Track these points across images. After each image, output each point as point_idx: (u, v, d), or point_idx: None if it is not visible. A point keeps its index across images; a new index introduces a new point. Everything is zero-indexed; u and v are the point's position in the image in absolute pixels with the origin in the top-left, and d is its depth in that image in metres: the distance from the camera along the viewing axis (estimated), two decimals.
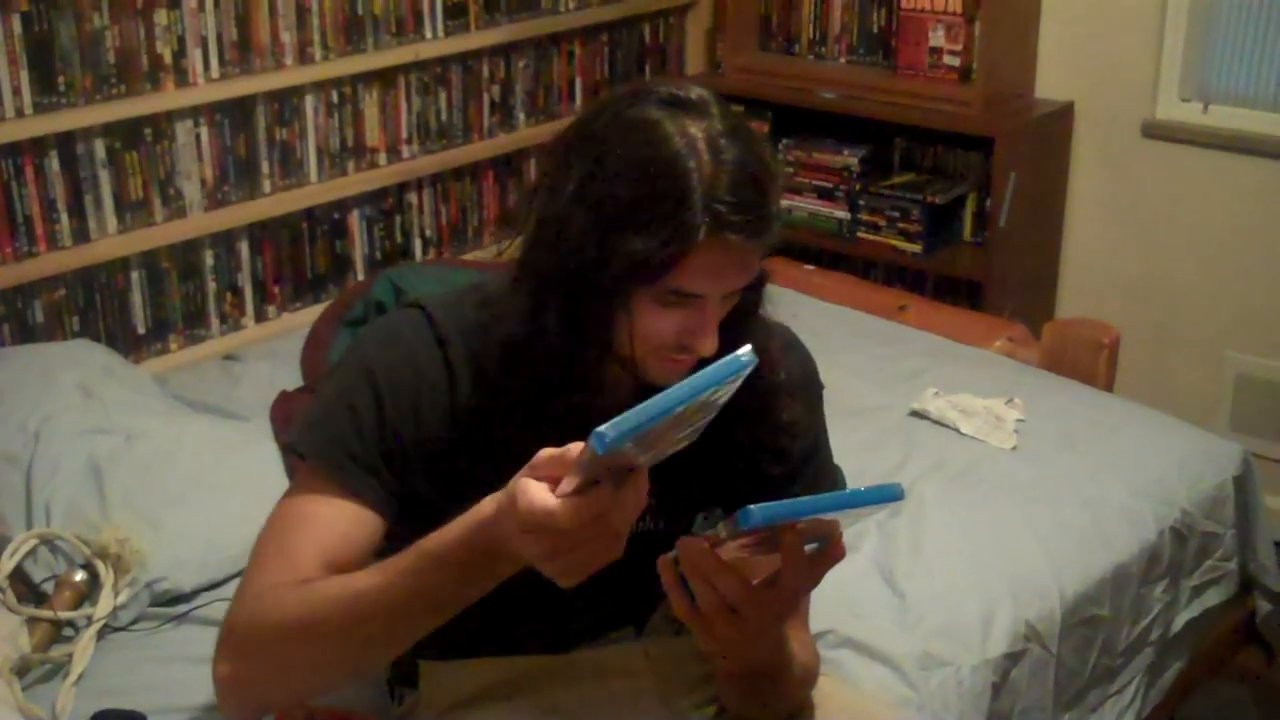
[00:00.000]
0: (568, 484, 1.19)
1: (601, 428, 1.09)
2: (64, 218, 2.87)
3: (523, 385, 1.48)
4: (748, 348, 1.17)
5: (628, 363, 1.47)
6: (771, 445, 1.61)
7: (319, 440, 1.53)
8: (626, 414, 1.10)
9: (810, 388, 1.69)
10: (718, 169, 1.39)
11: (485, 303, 1.55)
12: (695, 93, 1.47)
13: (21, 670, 1.98)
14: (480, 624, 1.55)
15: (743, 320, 1.51)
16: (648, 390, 1.24)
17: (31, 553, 2.18)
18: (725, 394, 1.19)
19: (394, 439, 1.52)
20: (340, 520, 1.50)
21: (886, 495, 1.23)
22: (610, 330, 1.45)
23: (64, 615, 2.09)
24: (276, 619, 1.42)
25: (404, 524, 1.51)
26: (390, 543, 1.50)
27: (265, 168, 3.21)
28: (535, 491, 1.19)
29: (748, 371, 1.17)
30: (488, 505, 1.29)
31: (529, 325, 1.47)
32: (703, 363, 1.36)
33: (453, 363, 1.53)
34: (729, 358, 1.15)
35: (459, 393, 1.53)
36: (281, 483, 2.42)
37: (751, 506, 1.18)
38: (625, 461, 1.17)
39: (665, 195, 1.37)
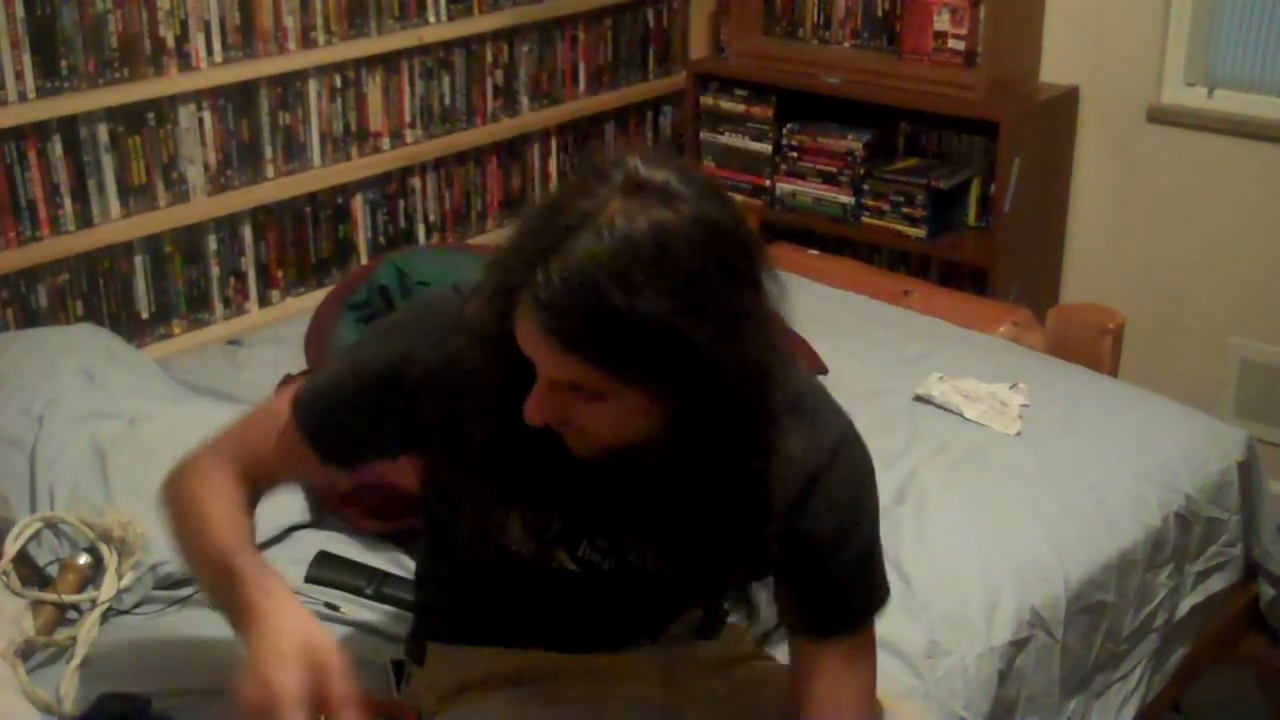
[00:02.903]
0: None
1: None
2: (67, 202, 2.87)
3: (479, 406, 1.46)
4: None
5: None
6: (833, 549, 1.56)
7: (313, 391, 1.62)
8: None
9: (864, 496, 1.60)
10: (574, 245, 1.26)
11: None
12: (663, 177, 1.30)
13: (26, 653, 1.98)
14: (491, 619, 1.57)
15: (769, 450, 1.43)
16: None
17: (35, 536, 2.18)
18: None
19: (370, 420, 1.56)
20: (290, 452, 1.61)
21: None
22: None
23: (68, 599, 2.09)
24: (178, 470, 1.66)
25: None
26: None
27: (268, 152, 3.20)
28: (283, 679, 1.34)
29: None
30: (264, 597, 1.44)
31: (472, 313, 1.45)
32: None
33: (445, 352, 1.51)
34: None
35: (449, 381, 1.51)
36: None
37: None
38: None
39: (522, 244, 1.31)
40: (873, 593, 1.63)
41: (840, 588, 1.59)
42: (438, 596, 1.76)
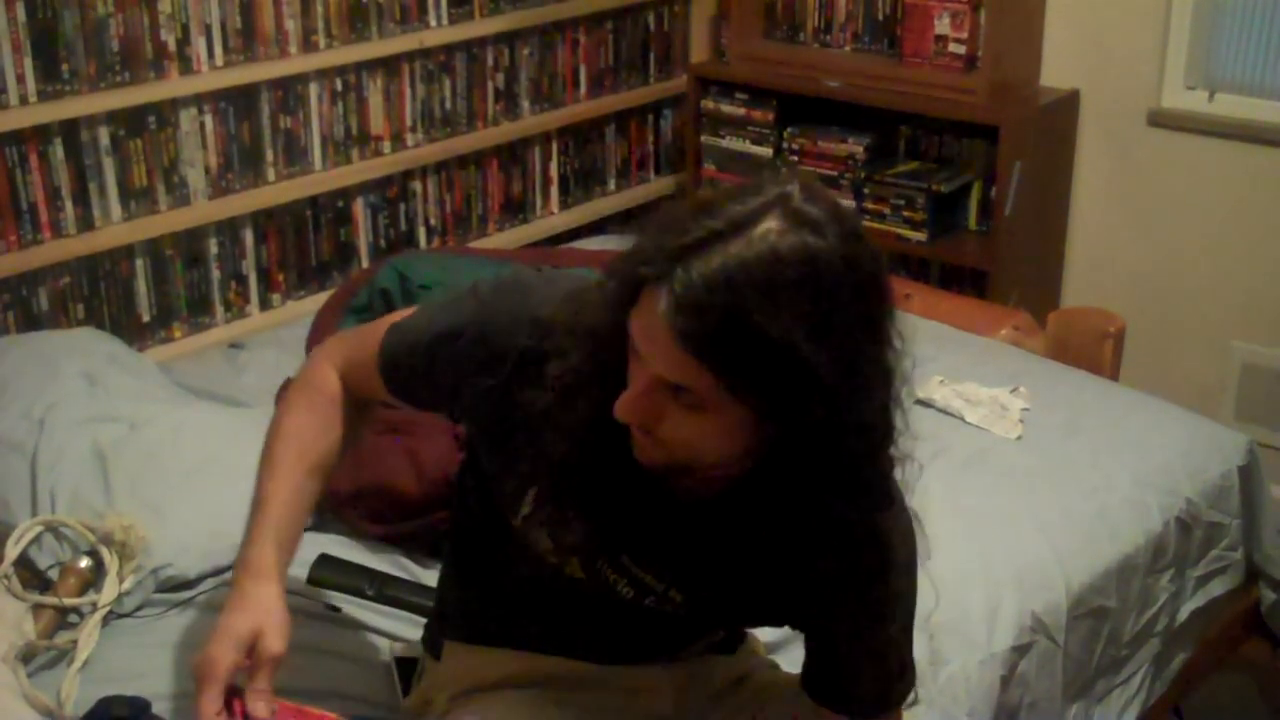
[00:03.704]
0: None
1: None
2: (68, 205, 2.87)
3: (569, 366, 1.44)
4: None
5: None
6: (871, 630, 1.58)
7: (399, 327, 1.66)
8: None
9: (907, 589, 1.61)
10: (723, 250, 1.24)
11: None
12: (819, 209, 1.28)
13: (27, 657, 1.98)
14: (509, 623, 1.58)
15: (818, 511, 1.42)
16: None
17: (36, 540, 2.18)
18: None
19: (443, 376, 1.58)
20: (372, 375, 1.67)
21: None
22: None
23: (69, 602, 2.09)
24: (302, 379, 1.76)
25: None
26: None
27: (270, 156, 3.20)
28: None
29: None
30: (250, 581, 1.58)
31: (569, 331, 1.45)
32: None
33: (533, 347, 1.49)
34: None
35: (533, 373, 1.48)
36: None
37: None
38: None
39: (663, 238, 1.28)
40: (888, 683, 1.63)
41: (851, 667, 1.61)
42: (459, 596, 1.75)
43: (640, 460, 1.38)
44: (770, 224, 1.25)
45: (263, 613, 1.54)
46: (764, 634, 2.03)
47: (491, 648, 1.70)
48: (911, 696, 1.64)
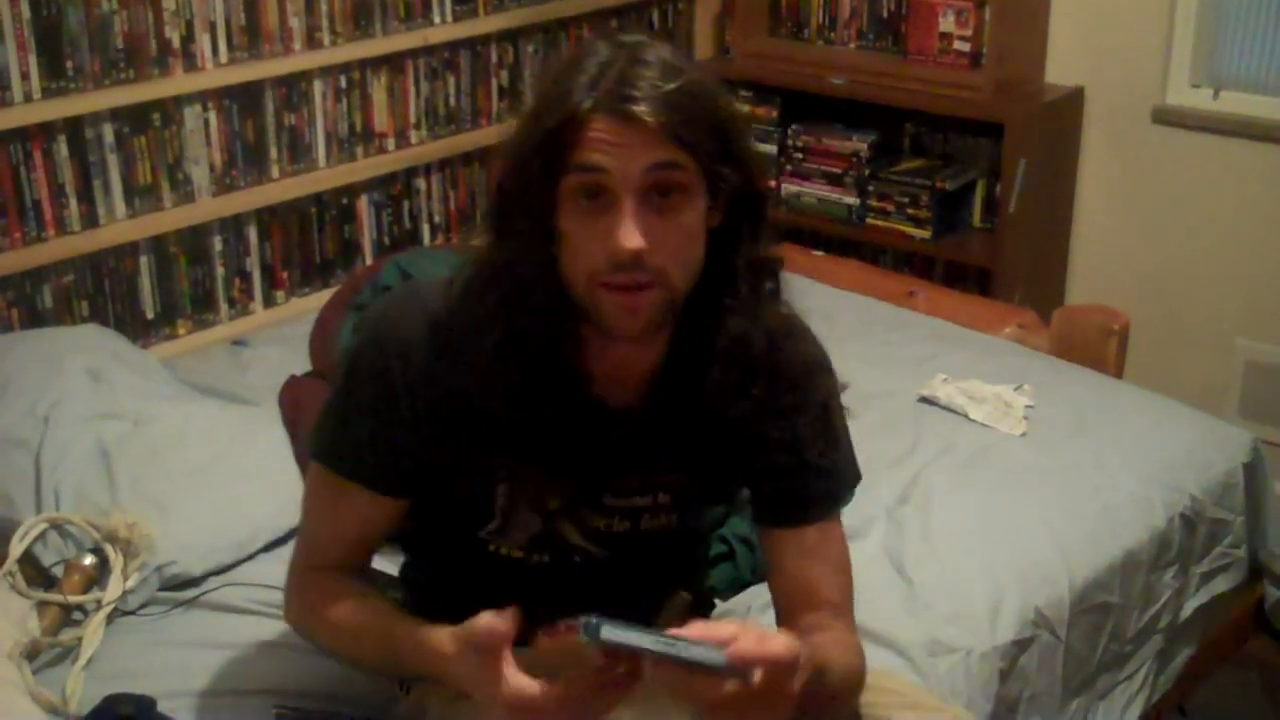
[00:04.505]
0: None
1: (595, 620, 1.19)
2: (73, 202, 2.87)
3: (487, 332, 1.50)
4: (724, 654, 1.20)
5: (583, 304, 1.47)
6: (795, 437, 1.61)
7: (320, 440, 1.63)
8: (625, 627, 1.20)
9: (821, 374, 1.67)
10: (617, 57, 1.43)
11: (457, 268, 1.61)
12: (641, 37, 1.49)
13: (31, 654, 1.98)
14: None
15: (753, 302, 1.53)
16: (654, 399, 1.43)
17: (41, 537, 2.18)
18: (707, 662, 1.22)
19: (387, 426, 1.56)
20: (350, 506, 1.62)
21: (713, 659, 1.22)
22: (550, 250, 1.47)
23: (73, 599, 2.09)
24: (295, 606, 1.67)
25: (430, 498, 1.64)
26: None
27: (274, 153, 3.21)
28: (520, 681, 1.33)
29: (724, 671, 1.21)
30: (447, 643, 1.43)
31: (481, 264, 1.54)
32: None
33: (438, 338, 1.55)
34: (716, 653, 1.21)
35: (445, 369, 1.54)
36: (289, 469, 2.43)
37: (595, 620, 1.21)
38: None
39: (562, 83, 1.43)
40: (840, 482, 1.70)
41: (816, 473, 1.65)
42: (416, 599, 1.75)
43: (626, 330, 1.47)
44: (660, 49, 1.46)
45: (460, 648, 1.43)
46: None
47: None
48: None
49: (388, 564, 2.16)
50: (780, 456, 1.61)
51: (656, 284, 1.44)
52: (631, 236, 1.40)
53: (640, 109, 1.39)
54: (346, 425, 1.58)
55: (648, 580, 1.75)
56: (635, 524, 1.64)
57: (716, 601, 2.10)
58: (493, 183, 1.56)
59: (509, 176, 1.49)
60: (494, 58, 3.64)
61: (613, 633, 1.20)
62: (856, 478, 1.72)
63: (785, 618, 1.66)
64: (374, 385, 1.55)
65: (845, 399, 1.74)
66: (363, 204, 3.43)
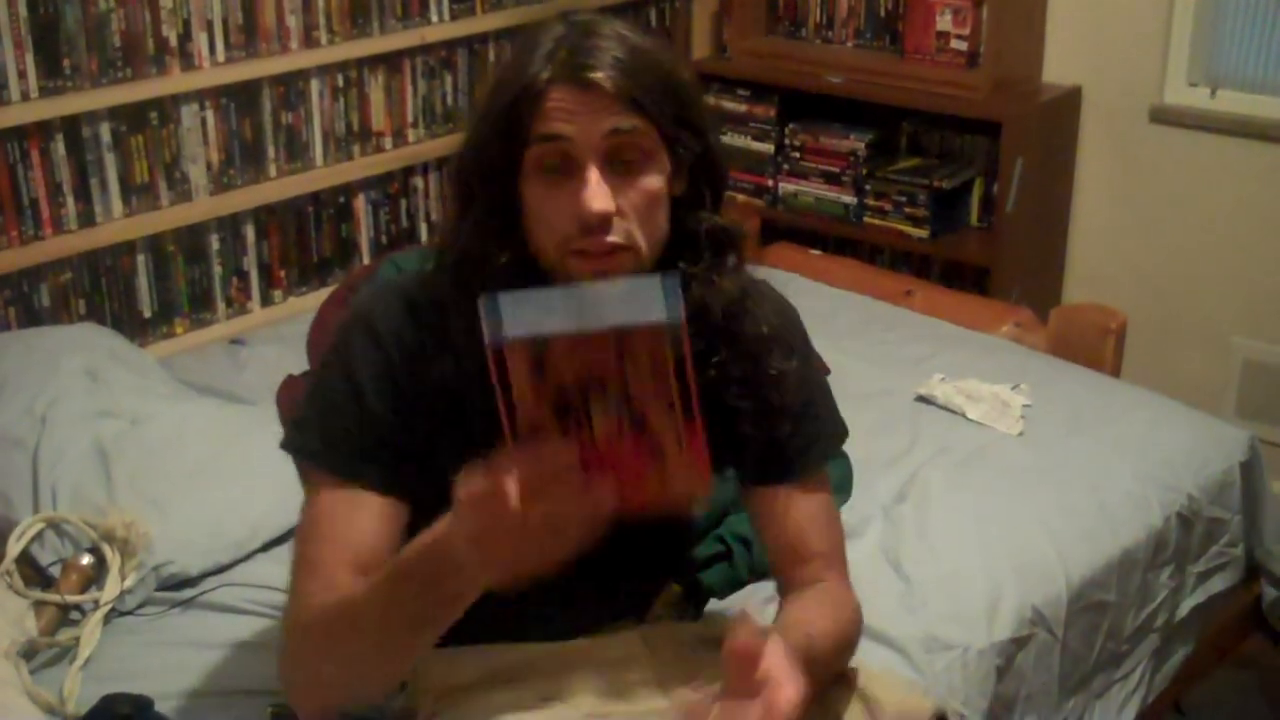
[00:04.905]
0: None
1: (493, 303, 1.11)
2: (70, 201, 2.87)
3: (459, 313, 1.48)
4: (664, 274, 1.15)
5: (553, 277, 1.47)
6: (768, 403, 1.61)
7: (307, 438, 1.57)
8: (527, 305, 1.11)
9: (790, 333, 1.68)
10: (571, 32, 1.47)
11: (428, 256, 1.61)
12: (600, 15, 1.54)
13: (29, 654, 1.99)
14: (480, 613, 1.55)
15: (718, 270, 1.54)
16: None
17: (38, 537, 2.18)
18: (642, 320, 1.11)
19: (377, 417, 1.54)
20: (354, 515, 1.52)
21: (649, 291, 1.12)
22: (515, 224, 1.48)
23: (71, 599, 2.09)
24: (303, 629, 1.49)
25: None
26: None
27: (271, 152, 3.20)
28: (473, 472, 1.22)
29: (663, 296, 1.12)
30: (440, 521, 1.31)
31: (448, 247, 1.54)
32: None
33: (419, 323, 1.55)
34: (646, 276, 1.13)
35: (429, 356, 1.54)
36: (286, 468, 2.42)
37: (497, 296, 1.11)
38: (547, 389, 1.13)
39: (519, 60, 1.46)
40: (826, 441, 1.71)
41: (790, 434, 1.64)
42: None
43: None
44: (614, 23, 1.50)
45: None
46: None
47: (460, 647, 1.68)
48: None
49: None
50: (752, 425, 1.61)
51: (626, 248, 1.45)
52: (598, 198, 1.42)
53: (598, 75, 1.42)
54: (335, 422, 1.55)
55: (638, 572, 1.75)
56: None
57: (714, 601, 2.10)
58: (454, 163, 1.57)
59: (470, 155, 1.50)
60: (491, 56, 3.63)
61: (514, 319, 1.09)
62: (838, 431, 1.73)
63: (778, 571, 1.68)
64: (365, 377, 1.53)
65: (839, 393, 1.74)
66: (360, 203, 3.43)
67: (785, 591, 1.69)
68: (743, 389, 1.59)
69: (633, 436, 1.13)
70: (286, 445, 1.61)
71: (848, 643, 1.64)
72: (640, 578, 1.79)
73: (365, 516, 1.52)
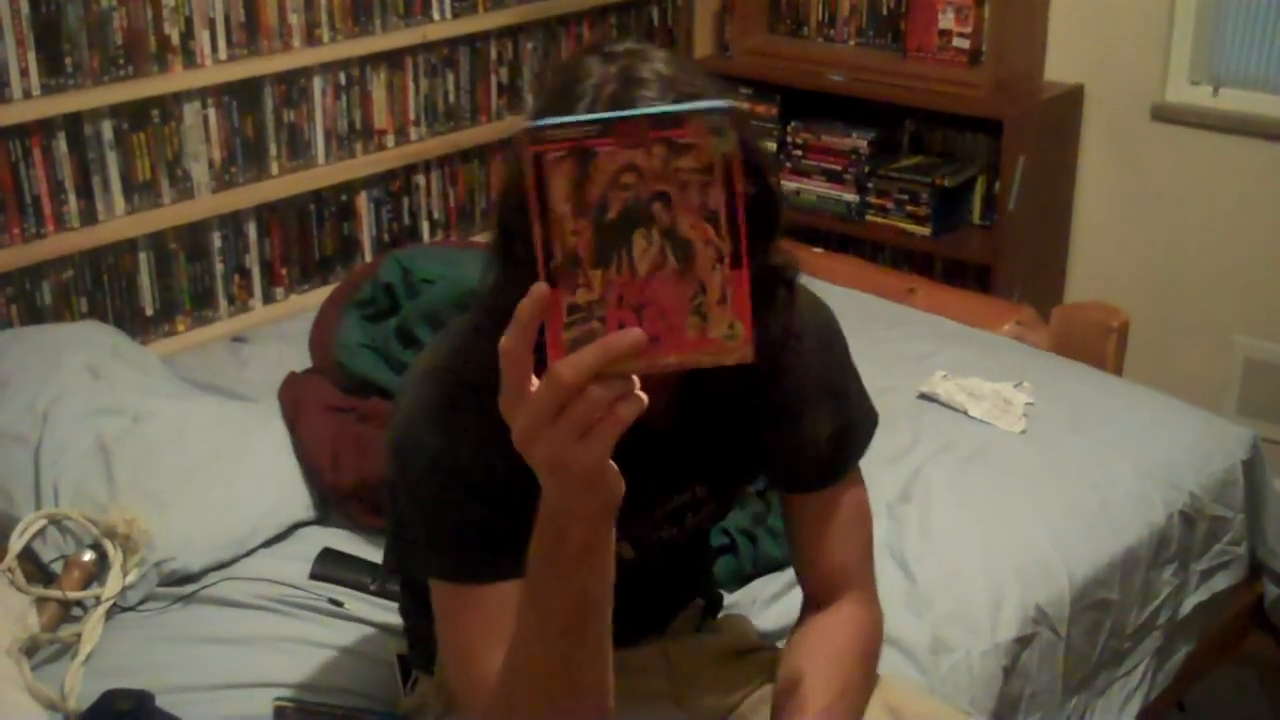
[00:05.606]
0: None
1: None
2: (72, 199, 2.87)
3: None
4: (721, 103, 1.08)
5: None
6: (803, 439, 1.60)
7: (430, 560, 1.49)
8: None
9: (831, 370, 1.68)
10: (612, 79, 1.37)
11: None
12: (632, 46, 1.43)
13: (30, 650, 1.99)
14: None
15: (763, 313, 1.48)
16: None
17: (40, 533, 2.18)
18: (690, 139, 1.07)
19: (482, 516, 1.45)
20: (491, 606, 1.45)
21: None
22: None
23: (72, 595, 2.09)
24: (484, 712, 1.42)
25: None
26: None
27: (273, 149, 3.21)
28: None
29: (717, 119, 1.06)
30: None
31: (490, 309, 1.39)
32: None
33: (465, 405, 1.44)
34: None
35: (485, 434, 1.34)
36: (288, 466, 2.43)
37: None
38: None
39: (558, 110, 1.33)
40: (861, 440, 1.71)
41: (824, 447, 1.63)
42: (431, 630, 1.69)
43: None
44: (654, 61, 1.39)
45: None
46: (759, 623, 2.04)
47: None
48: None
49: (376, 609, 2.15)
50: (787, 444, 1.60)
51: None
52: None
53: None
54: (447, 534, 1.47)
55: (668, 588, 1.74)
56: (679, 528, 1.62)
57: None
58: (493, 219, 1.46)
59: (509, 211, 1.40)
60: (493, 54, 3.64)
61: (558, 131, 1.04)
62: (872, 425, 1.73)
63: (803, 581, 1.68)
64: (441, 483, 1.45)
65: None
66: (362, 200, 3.43)
67: (807, 604, 1.68)
68: (771, 419, 1.58)
69: (675, 273, 1.11)
70: (412, 568, 1.54)
71: (870, 670, 1.64)
72: (672, 593, 1.78)
73: (496, 604, 1.45)
